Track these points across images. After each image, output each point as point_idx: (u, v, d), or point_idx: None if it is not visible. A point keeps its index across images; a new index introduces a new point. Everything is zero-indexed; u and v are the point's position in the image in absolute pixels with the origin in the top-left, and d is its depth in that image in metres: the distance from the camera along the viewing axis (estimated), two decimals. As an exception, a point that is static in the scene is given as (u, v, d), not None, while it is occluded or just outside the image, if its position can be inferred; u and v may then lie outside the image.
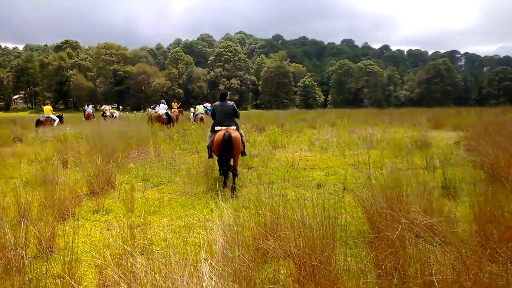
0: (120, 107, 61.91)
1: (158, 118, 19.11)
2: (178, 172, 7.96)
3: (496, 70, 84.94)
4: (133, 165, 8.34)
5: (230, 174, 6.92)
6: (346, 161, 9.21)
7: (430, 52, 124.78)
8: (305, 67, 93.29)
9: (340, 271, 2.87)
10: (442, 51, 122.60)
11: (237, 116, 7.49)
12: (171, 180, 7.54)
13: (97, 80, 79.60)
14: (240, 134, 7.20)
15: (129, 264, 2.77)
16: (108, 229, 4.85)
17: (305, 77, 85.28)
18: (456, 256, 2.57)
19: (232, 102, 7.48)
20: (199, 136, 13.95)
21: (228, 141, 6.64)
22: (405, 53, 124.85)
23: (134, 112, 41.52)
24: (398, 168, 7.14)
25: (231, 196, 6.32)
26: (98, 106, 51.49)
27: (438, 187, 5.44)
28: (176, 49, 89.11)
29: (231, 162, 6.91)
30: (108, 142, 8.96)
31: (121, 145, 9.47)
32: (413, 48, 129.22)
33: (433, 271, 2.47)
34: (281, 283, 2.89)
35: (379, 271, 2.95)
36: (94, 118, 25.76)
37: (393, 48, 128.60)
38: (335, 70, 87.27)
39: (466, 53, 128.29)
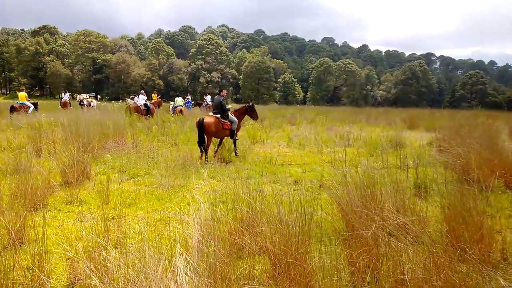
0: (98, 96, 59.93)
1: (137, 108, 18.81)
2: (156, 164, 7.82)
3: (469, 74, 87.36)
4: (109, 155, 8.16)
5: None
6: (323, 158, 9.35)
7: (407, 54, 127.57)
8: (285, 63, 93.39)
9: (315, 268, 2.90)
10: (419, 53, 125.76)
11: (223, 108, 9.41)
12: (148, 172, 7.41)
13: (75, 68, 76.63)
14: (221, 121, 9.22)
15: (102, 258, 2.71)
16: (81, 221, 4.73)
17: (286, 73, 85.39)
18: (427, 256, 2.63)
19: (222, 97, 9.57)
20: (178, 128, 13.78)
21: (200, 124, 8.94)
22: (383, 53, 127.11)
23: (113, 101, 40.44)
24: (373, 166, 7.27)
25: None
26: (76, 94, 49.61)
27: (410, 186, 5.60)
28: (158, 39, 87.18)
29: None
30: (84, 131, 8.70)
31: (98, 135, 9.24)
32: (391, 49, 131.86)
33: (405, 269, 2.53)
34: (256, 279, 2.90)
35: (353, 268, 3.00)
36: (70, 106, 24.87)
37: (372, 48, 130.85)
38: (315, 68, 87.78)
39: (441, 56, 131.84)
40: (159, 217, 4.95)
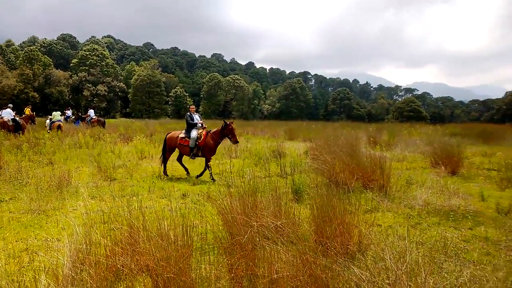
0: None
1: (3, 124, 16.46)
2: (25, 187, 7.09)
3: (338, 91, 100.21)
4: (-40, 181, 6.91)
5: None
6: (211, 171, 9.47)
7: (287, 72, 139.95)
8: (177, 77, 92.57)
9: (198, 280, 2.94)
10: (297, 71, 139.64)
11: (187, 124, 9.33)
12: (14, 197, 6.61)
13: None
14: (178, 136, 9.34)
15: None
16: None
17: (177, 87, 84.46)
18: (296, 254, 2.90)
19: (188, 112, 9.57)
20: (54, 146, 12.45)
21: (165, 139, 9.68)
22: (267, 70, 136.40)
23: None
24: (257, 176, 7.72)
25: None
26: None
27: (288, 192, 6.11)
28: (31, 47, 76.83)
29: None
30: None
31: None
32: (274, 67, 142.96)
33: (275, 269, 2.75)
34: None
35: (232, 275, 3.13)
36: None
37: (257, 65, 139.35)
38: (206, 82, 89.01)
39: (315, 75, 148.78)
40: (24, 246, 4.39)
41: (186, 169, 9.38)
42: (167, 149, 9.51)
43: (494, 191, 7.29)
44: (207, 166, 8.89)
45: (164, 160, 9.43)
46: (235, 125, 8.98)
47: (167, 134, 9.83)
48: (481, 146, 15.51)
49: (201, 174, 8.94)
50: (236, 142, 8.87)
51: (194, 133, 9.04)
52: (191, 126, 9.27)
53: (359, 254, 3.57)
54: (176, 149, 9.58)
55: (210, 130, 9.22)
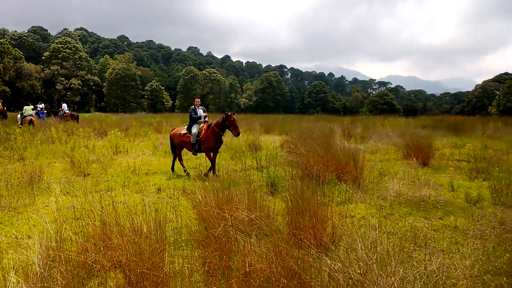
0: None
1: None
2: None
3: (314, 84, 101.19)
4: None
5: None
6: (188, 165, 9.42)
7: (264, 65, 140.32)
8: (152, 71, 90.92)
9: (172, 274, 2.92)
10: (273, 65, 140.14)
11: (190, 118, 8.86)
12: (-19, 195, 6.32)
13: None
14: (181, 132, 9.00)
15: None
16: None
17: (153, 81, 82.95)
18: (269, 246, 2.92)
19: (192, 106, 8.99)
20: (25, 141, 12.05)
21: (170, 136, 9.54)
22: (244, 64, 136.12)
23: None
24: (233, 169, 7.72)
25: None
26: None
27: (264, 185, 6.13)
28: (1, 40, 73.56)
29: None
30: None
31: None
32: (250, 60, 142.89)
33: (248, 261, 2.77)
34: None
35: (207, 268, 3.13)
36: None
37: (234, 59, 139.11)
38: (182, 76, 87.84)
39: (291, 68, 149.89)
40: (-7, 245, 4.25)
41: (172, 167, 9.07)
42: (174, 145, 9.25)
43: (463, 182, 7.54)
44: (213, 161, 8.41)
45: (177, 157, 9.11)
46: (236, 116, 8.37)
47: (172, 131, 9.59)
48: (451, 138, 16.01)
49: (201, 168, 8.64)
50: (238, 134, 8.19)
51: (194, 129, 8.61)
52: (194, 120, 8.79)
53: (332, 245, 3.64)
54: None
55: (211, 123, 8.55)
